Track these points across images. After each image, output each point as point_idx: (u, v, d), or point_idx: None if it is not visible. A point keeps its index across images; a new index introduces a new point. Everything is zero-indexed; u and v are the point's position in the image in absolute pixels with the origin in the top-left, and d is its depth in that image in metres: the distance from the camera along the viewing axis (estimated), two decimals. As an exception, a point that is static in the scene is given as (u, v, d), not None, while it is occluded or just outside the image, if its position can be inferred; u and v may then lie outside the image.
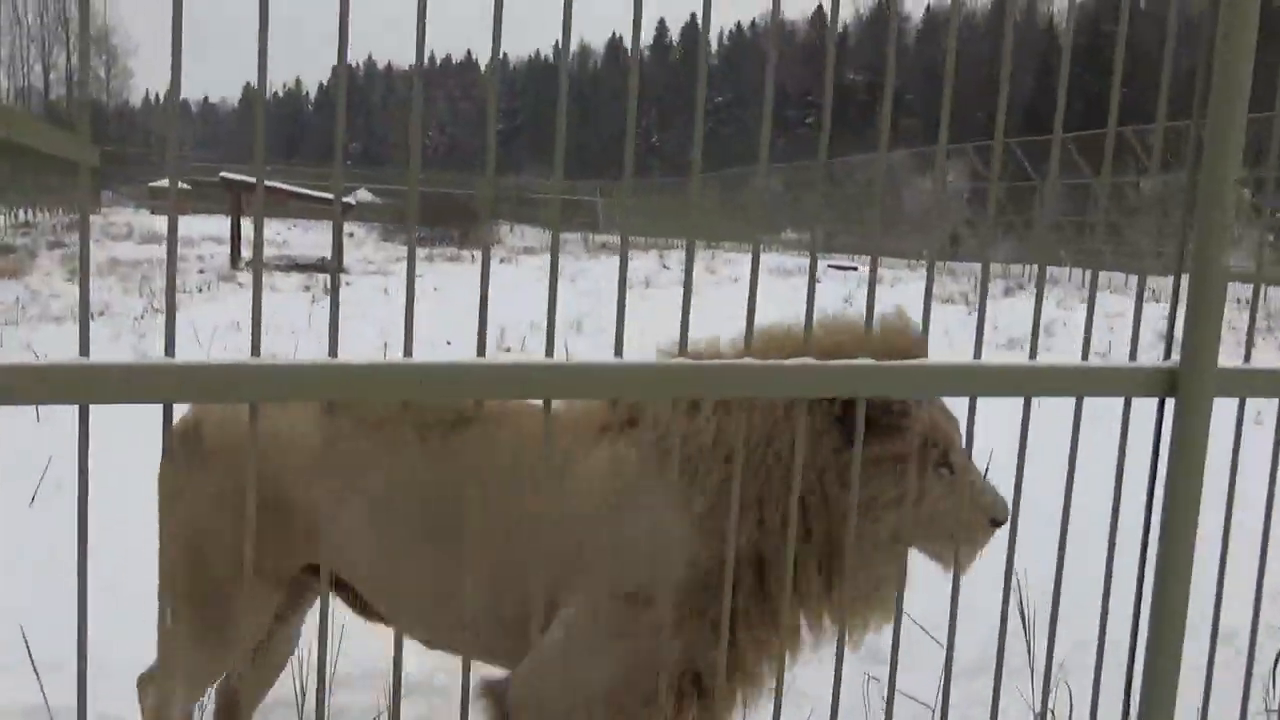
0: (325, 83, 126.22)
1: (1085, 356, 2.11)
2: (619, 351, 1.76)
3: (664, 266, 21.37)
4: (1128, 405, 2.12)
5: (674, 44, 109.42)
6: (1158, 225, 2.78)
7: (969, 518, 2.10)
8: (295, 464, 2.18)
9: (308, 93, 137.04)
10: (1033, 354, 2.06)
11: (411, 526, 2.15)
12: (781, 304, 2.39)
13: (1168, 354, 2.15)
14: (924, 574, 2.23)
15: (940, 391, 2.06)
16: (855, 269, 21.59)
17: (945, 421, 2.14)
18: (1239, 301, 14.53)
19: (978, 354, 2.01)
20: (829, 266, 22.31)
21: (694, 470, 2.04)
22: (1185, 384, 2.08)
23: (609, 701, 2.02)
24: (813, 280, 1.89)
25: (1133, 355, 2.16)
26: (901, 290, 16.71)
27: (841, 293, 16.32)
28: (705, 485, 2.03)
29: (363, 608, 2.35)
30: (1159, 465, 2.12)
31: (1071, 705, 2.52)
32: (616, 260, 1.68)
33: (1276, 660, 2.42)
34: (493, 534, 2.05)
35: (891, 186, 29.23)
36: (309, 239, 28.79)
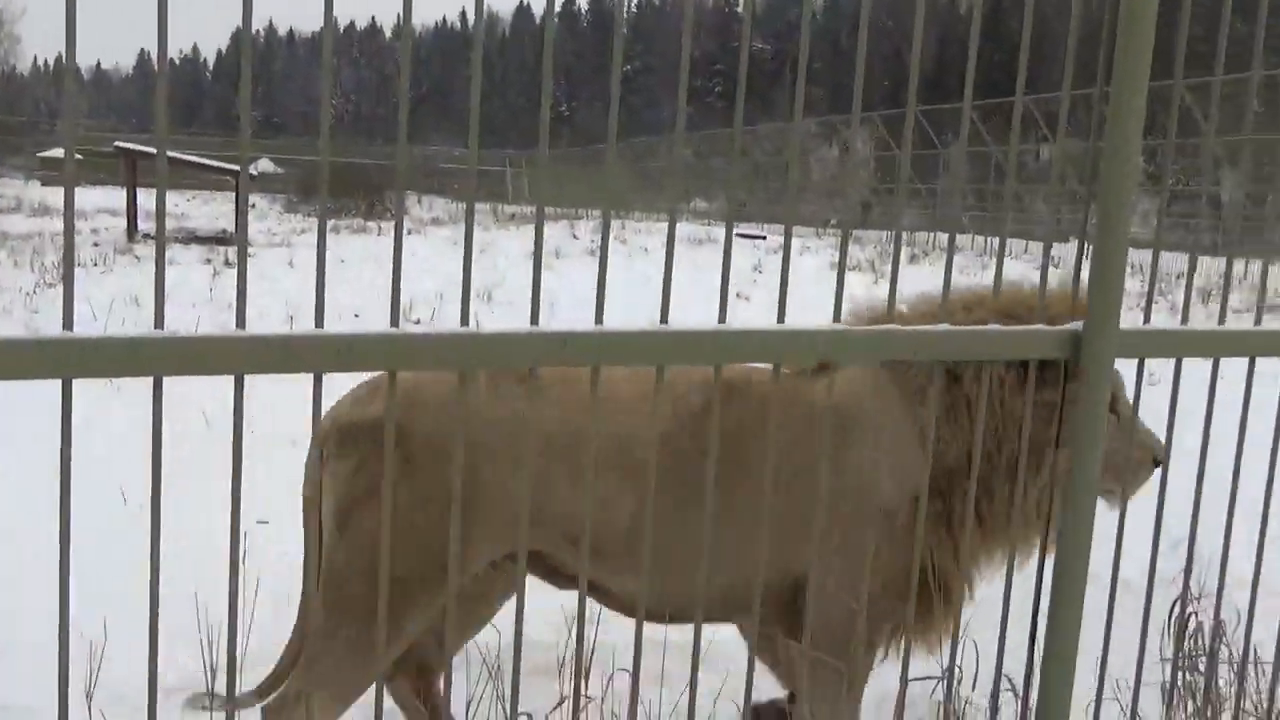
0: (224, 49, 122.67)
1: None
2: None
3: (574, 236, 21.31)
4: (1029, 368, 2.18)
5: (582, 11, 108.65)
6: (1057, 193, 2.85)
7: (1134, 456, 2.38)
8: (496, 451, 2.13)
9: (205, 60, 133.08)
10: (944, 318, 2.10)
11: (679, 493, 2.17)
12: (691, 272, 2.40)
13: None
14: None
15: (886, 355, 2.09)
16: (764, 238, 21.75)
17: (1113, 375, 2.28)
18: (1133, 266, 15.04)
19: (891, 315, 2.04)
20: (737, 235, 22.42)
21: (920, 397, 2.30)
22: (1089, 346, 2.14)
23: (876, 606, 2.23)
24: (729, 248, 1.90)
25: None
26: (811, 259, 16.91)
27: (750, 261, 16.47)
28: (927, 411, 2.22)
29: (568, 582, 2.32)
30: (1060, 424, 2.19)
31: (978, 659, 2.58)
32: (526, 231, 1.68)
33: (1171, 610, 2.52)
34: (771, 487, 2.05)
35: (800, 155, 29.46)
36: (208, 211, 28.04)
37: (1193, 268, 2.46)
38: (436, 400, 2.12)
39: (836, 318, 2.03)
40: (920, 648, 2.37)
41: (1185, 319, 2.36)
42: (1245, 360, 2.40)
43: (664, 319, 1.84)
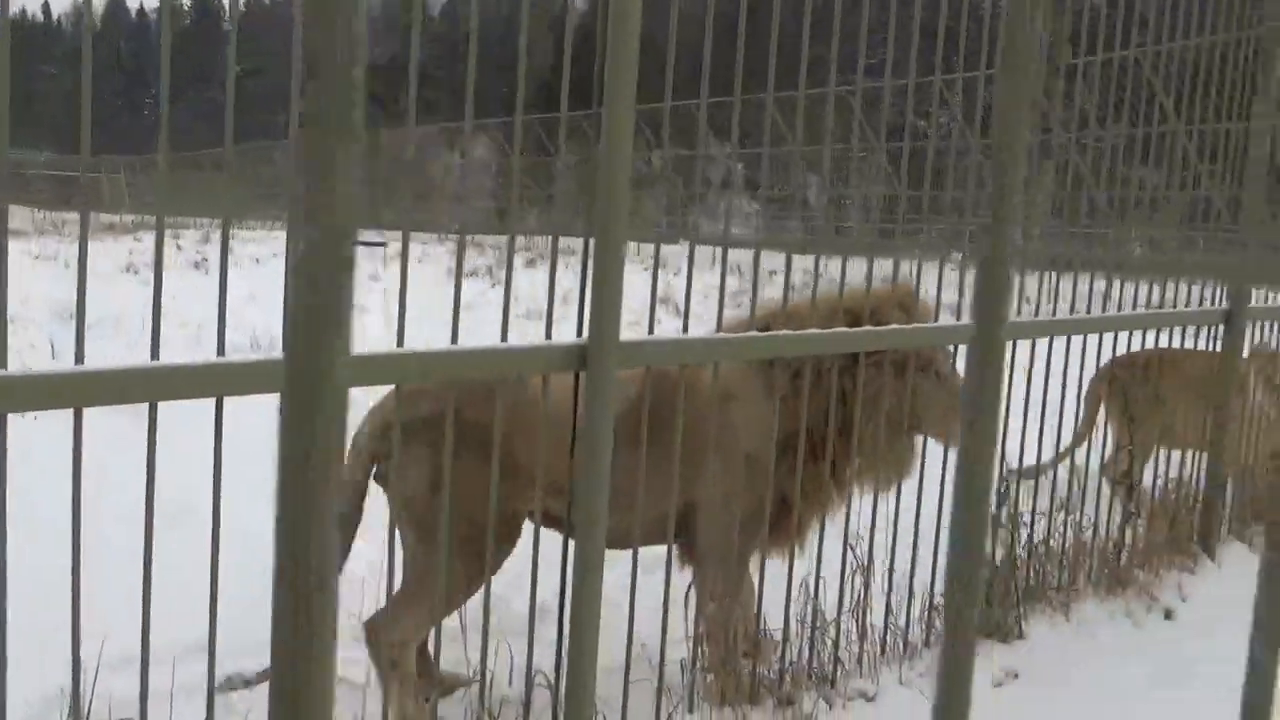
0: None
1: (504, 337, 2.30)
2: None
3: (177, 247, 20.04)
4: (546, 382, 2.34)
5: (185, 7, 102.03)
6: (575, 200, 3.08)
7: (955, 405, 3.19)
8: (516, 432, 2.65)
9: None
10: (454, 339, 2.21)
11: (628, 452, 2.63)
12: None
13: (579, 330, 2.39)
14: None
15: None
16: (384, 244, 21.46)
17: (937, 350, 3.25)
18: (773, 274, 16.25)
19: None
20: (359, 243, 21.91)
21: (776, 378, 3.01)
22: (592, 359, 2.32)
23: (744, 527, 3.00)
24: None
25: (548, 333, 2.38)
26: (430, 265, 16.89)
27: (368, 270, 16.23)
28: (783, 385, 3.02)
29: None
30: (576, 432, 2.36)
31: (511, 660, 2.73)
32: (124, 243, 1.63)
33: (687, 590, 2.80)
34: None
35: (419, 161, 29.28)
36: None
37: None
38: (479, 394, 2.66)
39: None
40: (775, 557, 3.08)
41: (686, 326, 2.62)
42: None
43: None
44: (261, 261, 17.86)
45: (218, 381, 1.87)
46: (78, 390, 1.74)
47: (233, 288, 1.94)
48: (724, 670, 2.87)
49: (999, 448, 3.06)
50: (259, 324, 7.82)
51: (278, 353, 2.06)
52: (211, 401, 1.91)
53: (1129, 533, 4.09)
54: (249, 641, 2.90)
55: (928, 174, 3.54)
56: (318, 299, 0.51)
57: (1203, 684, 3.23)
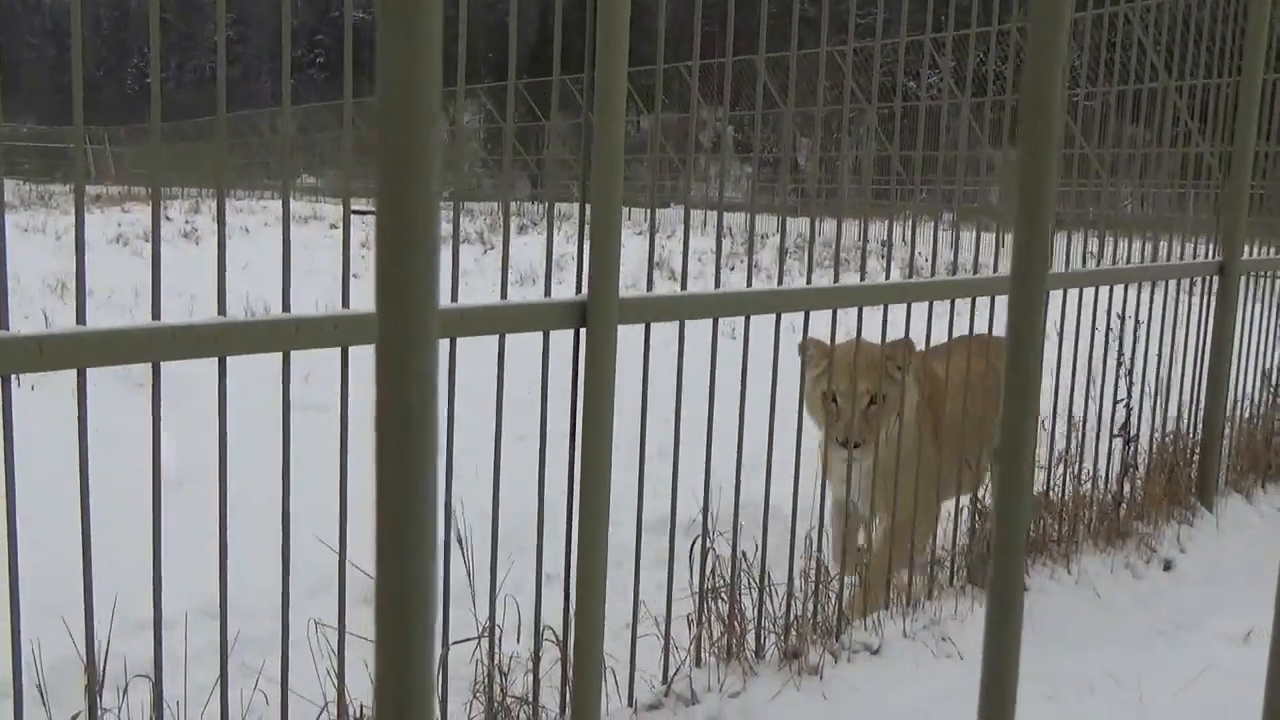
0: None
1: (504, 294, 2.29)
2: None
3: (167, 218, 19.91)
4: (546, 339, 2.33)
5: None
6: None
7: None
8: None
9: None
10: (454, 296, 2.20)
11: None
12: (299, 250, 2.41)
13: (579, 288, 2.38)
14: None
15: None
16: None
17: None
18: (764, 237, 16.30)
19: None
20: (353, 213, 21.82)
21: None
22: (592, 315, 2.32)
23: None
24: (348, 228, 1.89)
25: (547, 290, 2.37)
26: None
27: (360, 236, 16.12)
28: None
29: None
30: (579, 389, 2.36)
31: (519, 616, 2.73)
32: (112, 214, 1.63)
33: (691, 548, 2.80)
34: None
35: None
36: None
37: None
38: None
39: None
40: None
41: (684, 285, 2.61)
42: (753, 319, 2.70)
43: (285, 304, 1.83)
44: (252, 231, 17.76)
45: (220, 342, 1.87)
46: (82, 350, 1.73)
47: (227, 256, 1.93)
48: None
49: (1039, 390, 3.09)
50: (254, 293, 7.78)
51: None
52: (205, 372, 1.91)
53: (1127, 485, 4.11)
54: (258, 603, 2.91)
55: (920, 135, 3.52)
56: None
57: (1202, 634, 3.26)
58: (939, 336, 3.47)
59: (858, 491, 3.38)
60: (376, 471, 0.51)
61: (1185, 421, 4.52)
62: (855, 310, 3.03)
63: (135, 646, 2.54)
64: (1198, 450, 4.49)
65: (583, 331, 2.33)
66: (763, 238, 16.60)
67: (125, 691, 2.36)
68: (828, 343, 3.22)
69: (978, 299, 3.40)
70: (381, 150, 0.50)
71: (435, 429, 0.51)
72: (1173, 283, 4.41)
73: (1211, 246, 4.78)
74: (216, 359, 1.90)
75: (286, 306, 1.98)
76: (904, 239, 11.22)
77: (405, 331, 0.50)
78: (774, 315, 2.78)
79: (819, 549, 3.07)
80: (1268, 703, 0.59)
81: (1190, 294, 4.66)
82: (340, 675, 2.17)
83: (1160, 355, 4.29)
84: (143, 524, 1.87)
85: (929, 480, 3.42)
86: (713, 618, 2.83)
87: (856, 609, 3.19)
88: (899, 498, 3.26)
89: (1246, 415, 4.93)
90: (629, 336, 2.36)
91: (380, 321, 0.50)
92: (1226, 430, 4.64)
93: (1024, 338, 0.60)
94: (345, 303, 2.04)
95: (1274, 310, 5.24)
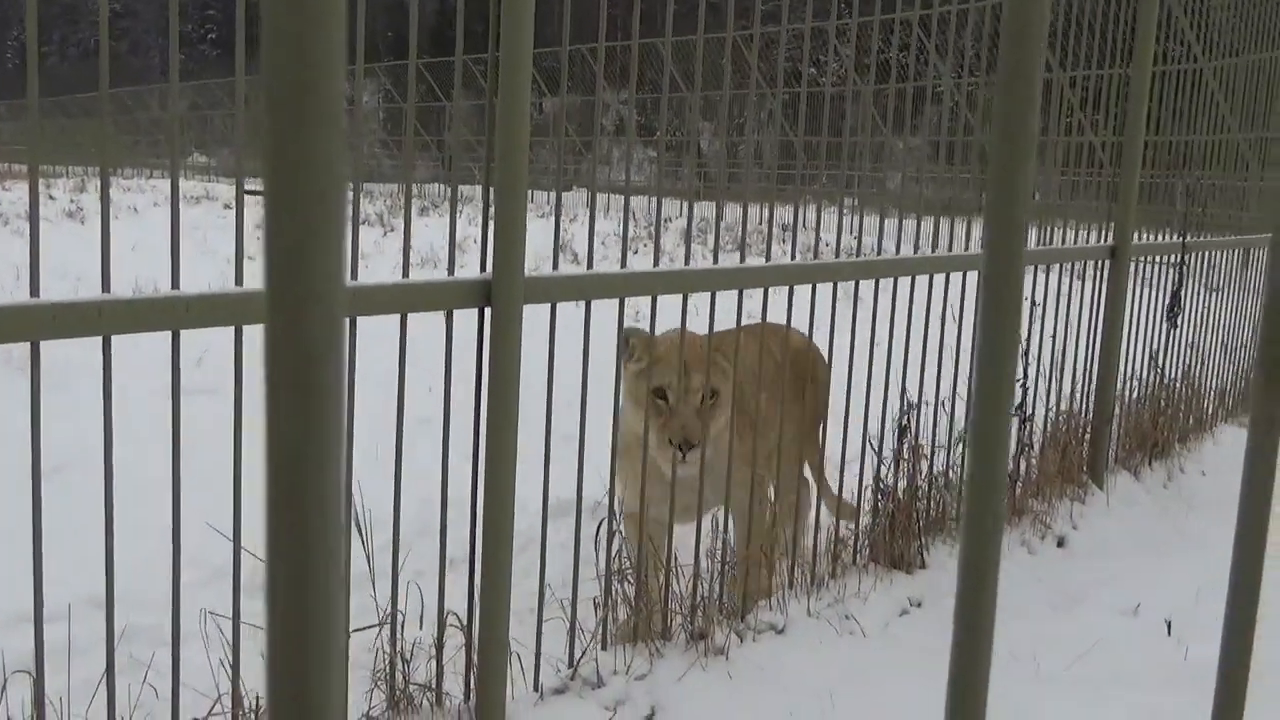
0: None
1: (406, 273, 2.23)
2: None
3: (50, 197, 19.17)
4: (450, 319, 2.28)
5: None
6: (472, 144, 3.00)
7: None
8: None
9: None
10: (354, 275, 2.14)
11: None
12: (189, 231, 2.30)
13: (482, 266, 2.33)
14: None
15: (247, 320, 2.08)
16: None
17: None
18: (668, 220, 16.20)
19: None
20: (246, 193, 21.28)
21: None
22: (498, 293, 2.28)
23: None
24: (241, 206, 1.80)
25: (450, 270, 2.31)
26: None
27: (256, 219, 15.69)
28: None
29: None
30: (483, 370, 2.32)
31: (422, 602, 2.68)
32: None
33: (596, 531, 2.79)
34: None
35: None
36: None
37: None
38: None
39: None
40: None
41: (590, 264, 2.57)
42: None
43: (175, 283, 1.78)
44: (141, 211, 17.22)
45: (104, 319, 1.78)
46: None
47: (114, 237, 1.84)
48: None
49: (1018, 353, 3.13)
50: (143, 275, 7.51)
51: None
52: (92, 358, 1.82)
53: (1023, 464, 4.20)
54: (147, 593, 2.80)
55: (825, 120, 3.53)
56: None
57: (1094, 605, 3.35)
58: (843, 318, 3.50)
59: (689, 493, 2.93)
60: (267, 452, 0.47)
61: (1078, 401, 4.64)
62: (760, 291, 3.03)
63: (14, 641, 2.42)
64: (1089, 429, 4.62)
65: (488, 311, 2.28)
66: (667, 220, 16.64)
67: (4, 688, 2.25)
68: (649, 332, 2.87)
69: (881, 280, 3.43)
70: (272, 96, 0.45)
71: (342, 411, 0.47)
72: (1066, 266, 4.53)
73: (1100, 233, 4.91)
74: (100, 338, 1.81)
75: (176, 285, 1.90)
76: (805, 224, 11.40)
77: (305, 304, 0.45)
78: (680, 295, 2.76)
79: (725, 529, 3.07)
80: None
81: (1082, 278, 4.79)
82: (235, 666, 2.10)
83: (1055, 336, 4.40)
84: (22, 512, 1.78)
85: (770, 461, 3.22)
86: (619, 600, 2.82)
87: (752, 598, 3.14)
88: (749, 492, 3.04)
89: (1135, 395, 5.09)
90: (534, 319, 2.32)
91: (271, 294, 0.45)
92: (1116, 409, 4.78)
93: (999, 313, 0.58)
94: (239, 282, 1.97)
95: (1161, 294, 5.42)
